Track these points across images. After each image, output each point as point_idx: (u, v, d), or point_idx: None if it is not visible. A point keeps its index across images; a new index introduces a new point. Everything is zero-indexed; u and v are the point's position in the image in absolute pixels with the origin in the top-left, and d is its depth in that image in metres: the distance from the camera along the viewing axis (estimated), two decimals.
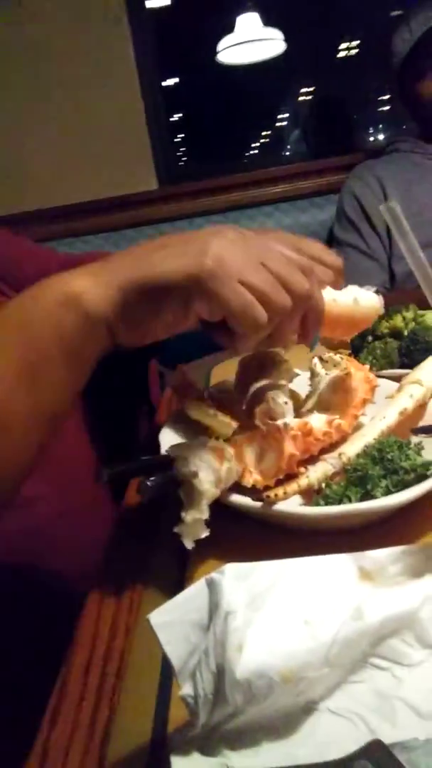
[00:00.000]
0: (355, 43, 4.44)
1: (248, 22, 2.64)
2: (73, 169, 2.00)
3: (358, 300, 0.61)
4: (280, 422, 0.59)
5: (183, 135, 4.61)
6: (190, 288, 0.47)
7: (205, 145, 4.71)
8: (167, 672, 0.41)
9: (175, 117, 4.24)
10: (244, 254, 0.47)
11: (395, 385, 0.68)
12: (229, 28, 2.67)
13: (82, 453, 0.74)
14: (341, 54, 4.49)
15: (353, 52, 4.45)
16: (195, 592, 0.36)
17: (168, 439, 0.66)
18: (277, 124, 5.34)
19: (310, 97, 4.56)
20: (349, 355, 0.80)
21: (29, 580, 0.65)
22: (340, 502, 0.53)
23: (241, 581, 0.37)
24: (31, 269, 0.90)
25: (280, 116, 5.25)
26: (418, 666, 0.39)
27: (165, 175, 2.09)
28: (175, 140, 4.39)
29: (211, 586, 0.36)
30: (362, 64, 4.30)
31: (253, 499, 0.53)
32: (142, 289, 0.47)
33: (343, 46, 4.44)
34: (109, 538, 0.63)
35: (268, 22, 2.68)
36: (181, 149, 4.66)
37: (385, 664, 0.39)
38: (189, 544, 0.48)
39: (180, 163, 4.42)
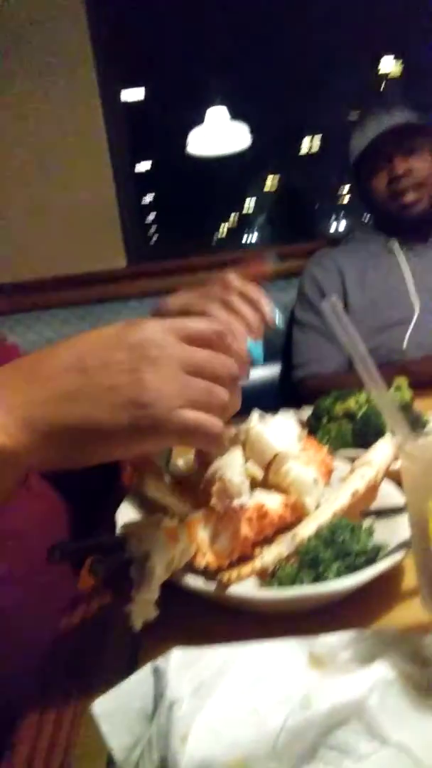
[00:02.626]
0: (317, 139, 4.76)
1: (217, 115, 2.82)
2: (45, 244, 2.06)
3: None
4: (236, 503, 0.60)
5: (154, 215, 4.79)
6: (132, 436, 0.44)
7: (175, 226, 4.90)
8: (113, 765, 0.40)
9: (147, 198, 4.42)
10: (174, 373, 0.45)
11: (348, 466, 0.70)
12: (199, 120, 2.86)
13: (46, 533, 0.73)
14: (304, 149, 4.80)
15: (315, 148, 4.76)
16: (140, 680, 0.36)
17: (125, 516, 0.66)
18: (245, 210, 5.60)
19: (275, 187, 4.82)
20: (307, 434, 0.82)
21: None
22: (292, 584, 0.53)
23: (188, 668, 0.37)
24: None
25: (247, 202, 5.52)
26: (367, 759, 0.39)
27: (134, 254, 2.16)
28: (146, 220, 4.56)
29: (157, 673, 0.36)
30: (324, 159, 4.59)
31: (206, 581, 0.53)
32: (70, 436, 0.43)
33: (306, 141, 4.75)
34: (61, 622, 0.61)
35: (235, 115, 2.87)
36: (153, 228, 4.83)
37: (334, 755, 0.39)
38: (138, 625, 0.47)
39: (151, 242, 4.57)
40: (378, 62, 3.83)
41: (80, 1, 1.97)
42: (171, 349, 0.46)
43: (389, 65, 3.90)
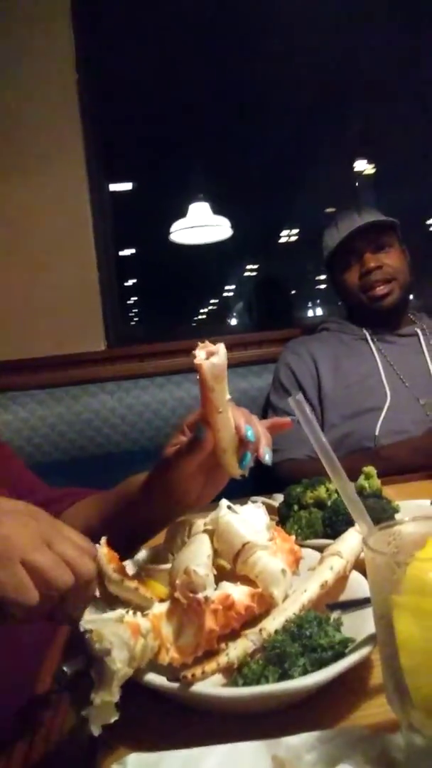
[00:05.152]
0: (294, 231, 5.01)
1: (199, 210, 2.97)
2: (25, 325, 2.08)
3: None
4: (200, 595, 0.59)
5: (135, 298, 4.92)
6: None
7: (156, 310, 5.03)
8: None
9: (129, 282, 4.56)
10: (32, 533, 0.50)
11: (318, 555, 0.70)
12: (182, 213, 3.01)
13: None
14: (282, 240, 5.03)
15: (293, 238, 5.00)
16: None
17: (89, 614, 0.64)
18: (224, 294, 5.79)
19: (254, 274, 5.01)
20: (276, 523, 0.82)
21: None
22: (257, 682, 0.52)
23: None
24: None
25: (226, 287, 5.71)
26: None
27: (113, 337, 2.20)
28: (128, 302, 4.68)
29: None
30: (301, 249, 4.81)
31: (169, 679, 0.52)
32: None
33: (284, 233, 4.99)
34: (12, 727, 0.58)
35: (217, 211, 3.03)
36: (133, 310, 4.95)
37: None
38: (96, 730, 0.45)
39: (132, 323, 4.66)
40: (353, 163, 4.11)
41: (76, 108, 2.11)
42: (41, 520, 0.54)
43: (363, 166, 4.18)
